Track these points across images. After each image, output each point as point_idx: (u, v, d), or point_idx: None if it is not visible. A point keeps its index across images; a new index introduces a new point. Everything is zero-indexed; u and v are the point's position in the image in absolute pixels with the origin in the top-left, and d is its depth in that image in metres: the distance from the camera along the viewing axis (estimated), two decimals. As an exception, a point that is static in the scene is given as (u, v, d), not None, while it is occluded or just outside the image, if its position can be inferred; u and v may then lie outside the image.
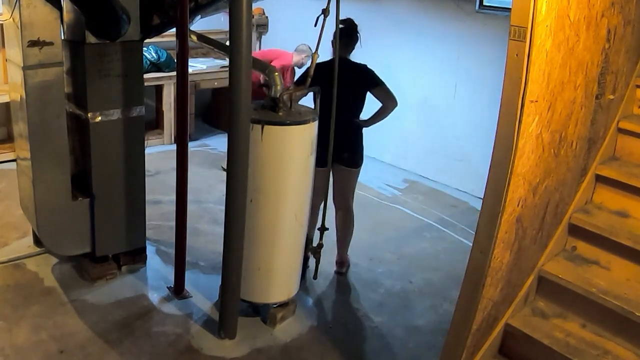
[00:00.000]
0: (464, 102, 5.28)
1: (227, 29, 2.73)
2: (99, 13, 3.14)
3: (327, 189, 3.64)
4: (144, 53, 5.25)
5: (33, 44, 3.09)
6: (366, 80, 3.63)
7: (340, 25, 3.44)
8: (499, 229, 2.28)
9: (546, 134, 2.31)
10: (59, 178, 3.36)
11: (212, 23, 5.74)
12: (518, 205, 2.33)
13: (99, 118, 3.35)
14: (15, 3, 3.03)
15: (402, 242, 4.37)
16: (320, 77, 3.38)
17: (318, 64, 3.43)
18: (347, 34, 3.52)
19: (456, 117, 5.37)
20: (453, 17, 5.22)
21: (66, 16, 3.36)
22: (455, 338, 2.50)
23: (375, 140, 5.53)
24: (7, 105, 4.73)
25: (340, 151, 3.59)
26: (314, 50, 3.29)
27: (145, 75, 4.35)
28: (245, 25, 2.69)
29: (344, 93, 3.42)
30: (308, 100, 3.22)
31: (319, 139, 3.30)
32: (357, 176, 3.82)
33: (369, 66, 3.64)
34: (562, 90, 2.30)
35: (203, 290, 3.57)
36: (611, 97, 2.67)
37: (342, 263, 3.92)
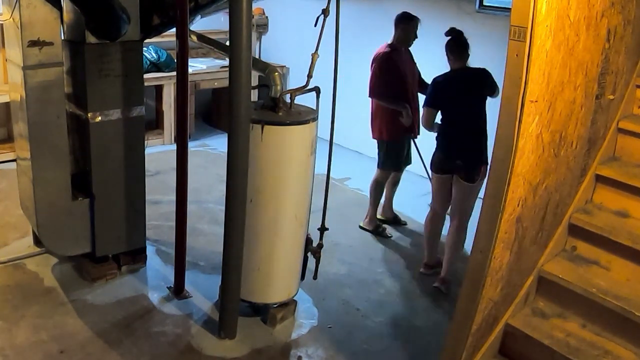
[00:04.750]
0: (464, 102, 5.27)
1: (227, 29, 2.73)
2: (98, 13, 3.14)
3: (447, 199, 3.82)
4: (144, 53, 5.25)
5: (33, 44, 3.09)
6: (486, 84, 3.63)
7: (448, 37, 3.63)
8: (499, 229, 2.28)
9: (546, 134, 2.31)
10: (59, 178, 3.36)
11: (212, 23, 5.74)
12: (518, 205, 2.33)
13: (99, 118, 3.35)
14: (15, 3, 3.03)
15: (402, 242, 4.37)
16: (442, 90, 3.67)
17: (440, 77, 3.69)
18: (458, 44, 3.63)
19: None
20: (453, 17, 5.21)
21: (66, 16, 3.36)
22: (455, 338, 2.51)
23: (374, 139, 5.55)
24: (7, 105, 4.74)
25: (466, 165, 3.65)
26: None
27: (145, 75, 4.34)
28: (245, 25, 2.69)
29: (465, 101, 3.62)
30: (309, 101, 3.21)
31: (446, 147, 3.69)
32: (476, 193, 3.72)
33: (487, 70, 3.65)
34: (562, 90, 2.30)
35: (203, 290, 3.57)
36: (611, 97, 2.67)
37: (444, 280, 3.79)
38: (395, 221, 4.68)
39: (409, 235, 4.58)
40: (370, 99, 4.30)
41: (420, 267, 3.99)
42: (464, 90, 3.67)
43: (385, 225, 4.54)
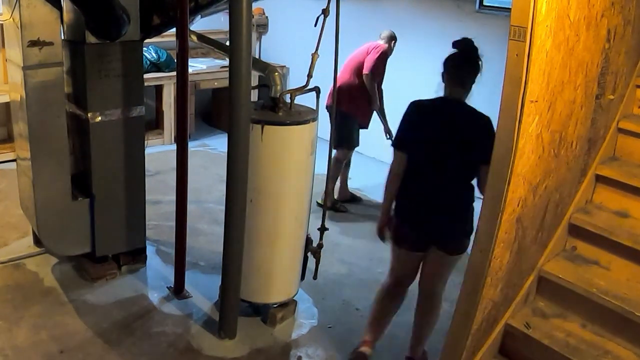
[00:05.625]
0: (464, 102, 5.27)
1: (227, 29, 2.73)
2: (98, 13, 3.14)
3: (414, 277, 2.95)
4: (144, 53, 5.26)
5: (33, 44, 3.09)
6: (484, 141, 2.38)
7: (454, 50, 2.66)
8: (499, 229, 2.28)
9: (546, 134, 2.31)
10: (59, 178, 3.36)
11: (212, 23, 5.74)
12: (518, 205, 2.33)
13: (99, 118, 3.35)
14: (15, 3, 3.03)
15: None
16: (423, 120, 2.70)
17: (420, 103, 2.75)
18: (465, 61, 2.63)
19: (456, 117, 5.36)
20: (453, 17, 5.22)
21: (66, 16, 3.36)
22: (455, 338, 2.50)
23: (374, 139, 5.56)
24: (7, 105, 4.73)
25: (438, 229, 2.73)
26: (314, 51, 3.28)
27: (145, 75, 4.34)
28: (245, 25, 2.69)
29: (452, 147, 2.57)
30: (308, 101, 3.22)
31: (411, 211, 2.72)
32: (455, 264, 2.82)
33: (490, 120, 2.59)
34: (562, 90, 2.30)
35: (203, 290, 3.57)
36: (611, 97, 2.67)
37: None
38: (353, 199, 5.12)
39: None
40: (350, 79, 4.74)
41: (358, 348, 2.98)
42: (452, 132, 2.61)
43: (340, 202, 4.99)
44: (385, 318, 3.02)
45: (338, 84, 4.54)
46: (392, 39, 4.82)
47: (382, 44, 4.77)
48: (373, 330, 2.99)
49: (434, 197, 2.70)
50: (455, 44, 2.66)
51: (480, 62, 2.66)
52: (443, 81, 2.71)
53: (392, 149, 2.81)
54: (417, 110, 2.73)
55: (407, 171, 2.73)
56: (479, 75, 2.66)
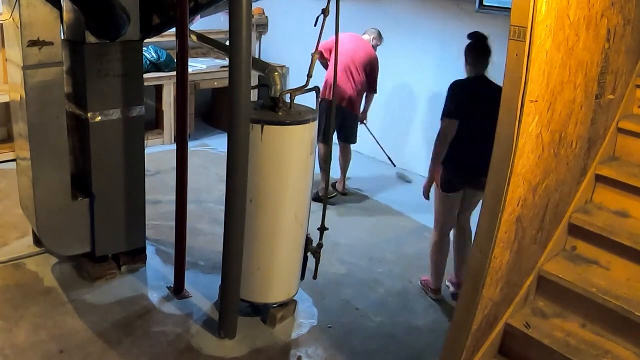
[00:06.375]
0: (464, 102, 5.27)
1: (227, 29, 2.73)
2: (98, 13, 3.14)
3: (453, 222, 3.66)
4: (144, 53, 5.25)
5: (33, 44, 3.09)
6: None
7: (469, 41, 3.45)
8: (499, 229, 2.28)
9: (546, 134, 2.31)
10: (59, 178, 3.36)
11: (212, 23, 5.74)
12: (518, 205, 2.33)
13: (99, 118, 3.35)
14: (15, 3, 3.03)
15: (402, 242, 4.37)
16: (464, 97, 3.42)
17: (461, 82, 3.48)
18: (479, 48, 3.43)
19: (456, 117, 5.36)
20: (453, 17, 5.22)
21: (66, 16, 3.36)
22: (455, 338, 2.51)
23: (374, 140, 5.57)
24: (7, 105, 4.74)
25: (478, 176, 3.23)
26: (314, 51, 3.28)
27: (145, 75, 4.34)
28: (245, 25, 2.69)
29: (483, 116, 3.02)
30: (308, 101, 3.22)
31: (457, 160, 3.46)
32: (479, 200, 3.45)
33: None
34: (562, 90, 2.30)
35: (203, 290, 3.57)
36: (611, 97, 2.67)
37: (460, 284, 3.62)
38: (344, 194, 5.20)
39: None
40: (353, 80, 4.82)
41: (429, 293, 3.75)
42: (487, 101, 3.10)
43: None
44: (442, 266, 3.72)
45: (328, 80, 4.61)
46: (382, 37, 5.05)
47: (372, 45, 4.94)
48: (436, 278, 3.74)
49: (474, 150, 3.32)
50: (470, 36, 3.44)
51: (488, 48, 3.43)
52: (467, 65, 3.47)
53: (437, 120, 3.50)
54: (461, 88, 3.46)
55: (456, 133, 3.47)
56: (489, 58, 3.44)
